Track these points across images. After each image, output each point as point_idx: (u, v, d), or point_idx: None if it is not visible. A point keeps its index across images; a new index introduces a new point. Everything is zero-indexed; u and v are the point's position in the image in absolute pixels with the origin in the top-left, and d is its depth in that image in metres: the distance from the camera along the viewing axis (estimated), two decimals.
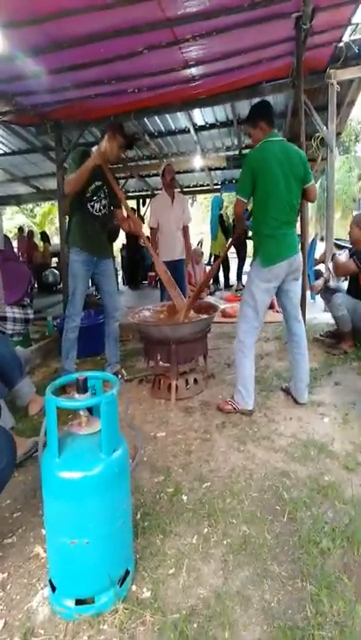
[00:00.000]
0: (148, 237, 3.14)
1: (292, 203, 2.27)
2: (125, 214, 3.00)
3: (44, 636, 1.10)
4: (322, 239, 6.07)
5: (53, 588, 1.19)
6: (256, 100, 4.59)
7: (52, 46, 3.05)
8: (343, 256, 3.44)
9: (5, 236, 3.20)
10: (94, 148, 2.71)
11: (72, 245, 2.83)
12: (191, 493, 1.69)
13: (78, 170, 2.56)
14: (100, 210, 2.81)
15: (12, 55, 3.04)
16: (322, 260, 3.91)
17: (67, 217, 3.48)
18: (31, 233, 10.37)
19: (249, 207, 2.40)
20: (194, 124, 5.99)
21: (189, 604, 1.19)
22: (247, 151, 2.45)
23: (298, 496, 1.64)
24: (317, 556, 1.34)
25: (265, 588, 1.24)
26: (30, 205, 15.20)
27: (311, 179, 2.34)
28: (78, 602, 1.15)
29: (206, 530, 1.48)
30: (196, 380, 2.79)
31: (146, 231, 3.30)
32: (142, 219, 8.92)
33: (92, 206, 2.78)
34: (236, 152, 7.07)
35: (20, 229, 10.68)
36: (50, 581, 1.21)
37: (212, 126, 6.13)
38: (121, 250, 9.33)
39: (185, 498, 1.66)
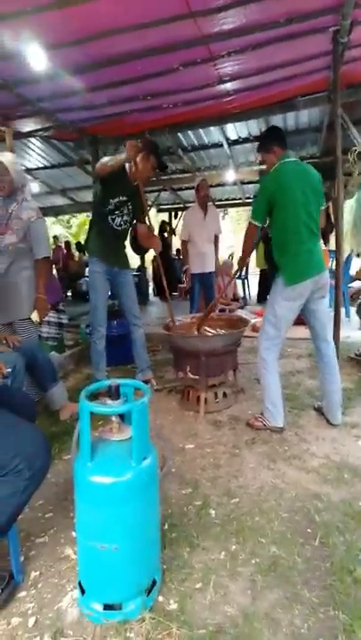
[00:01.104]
0: (160, 254, 3.12)
1: (313, 218, 2.25)
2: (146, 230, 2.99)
3: (72, 637, 1.12)
4: (358, 255, 5.92)
5: (83, 591, 1.21)
6: (290, 114, 4.63)
7: (92, 65, 3.22)
8: None
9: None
10: (127, 166, 2.70)
11: (91, 254, 2.87)
12: (219, 508, 1.67)
13: (113, 157, 2.55)
14: (119, 224, 2.84)
15: (53, 74, 3.23)
16: (358, 277, 3.80)
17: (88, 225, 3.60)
18: (68, 243, 10.79)
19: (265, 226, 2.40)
20: (227, 139, 6.07)
21: (216, 621, 1.17)
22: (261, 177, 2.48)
23: (330, 520, 1.58)
24: (351, 584, 1.29)
25: (295, 613, 1.20)
26: (67, 217, 15.83)
27: (323, 203, 2.32)
28: (106, 607, 1.17)
29: (234, 547, 1.46)
30: (225, 394, 2.77)
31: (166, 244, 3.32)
32: (173, 231, 9.08)
33: (113, 219, 2.80)
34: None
35: (55, 238, 11.14)
36: (79, 584, 1.23)
37: (246, 140, 6.19)
38: (152, 261, 9.50)
39: (213, 512, 1.65)
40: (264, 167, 2.46)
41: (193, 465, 2.02)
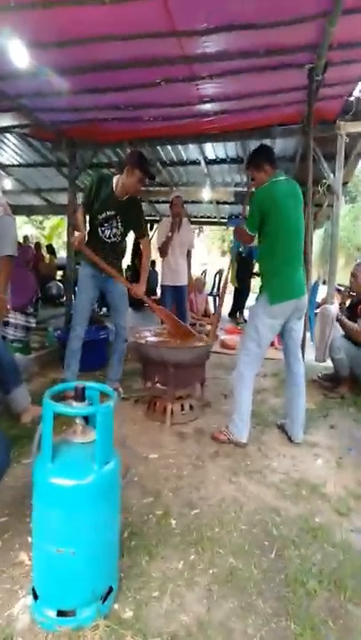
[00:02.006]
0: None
1: (301, 239, 2.35)
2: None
3: None
4: (324, 282, 6.22)
5: (36, 597, 1.17)
6: (267, 141, 4.88)
7: (75, 69, 3.23)
8: (334, 307, 3.51)
9: (20, 244, 3.29)
10: (115, 179, 2.77)
11: (82, 260, 2.91)
12: (180, 518, 1.67)
13: (78, 214, 2.73)
14: (109, 237, 2.86)
15: (35, 72, 3.21)
16: (324, 303, 3.99)
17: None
18: (38, 244, 10.56)
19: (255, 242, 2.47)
20: (205, 157, 6.21)
21: (171, 630, 1.16)
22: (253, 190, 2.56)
23: (287, 534, 1.62)
24: (303, 596, 1.32)
25: (248, 622, 1.21)
26: (40, 218, 15.54)
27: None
28: (60, 613, 1.13)
29: (193, 557, 1.46)
30: (191, 407, 2.80)
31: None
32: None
33: (103, 232, 2.83)
34: (245, 188, 7.35)
35: (25, 238, 10.87)
36: (33, 590, 1.18)
37: (223, 161, 6.37)
38: (125, 270, 9.49)
39: (173, 522, 1.64)
40: (244, 189, 2.54)
41: (156, 475, 2.01)
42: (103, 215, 2.79)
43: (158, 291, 5.00)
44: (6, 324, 3.44)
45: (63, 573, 1.14)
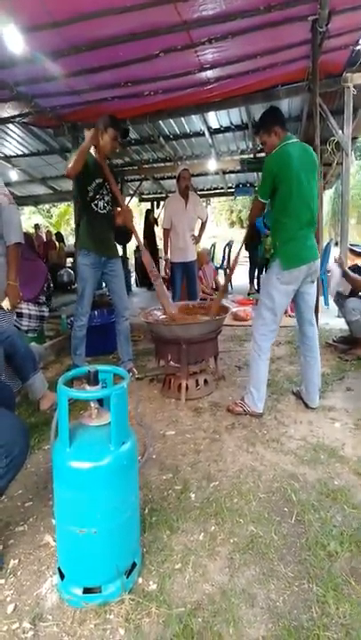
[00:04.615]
0: (137, 232, 3.19)
1: (314, 202, 2.27)
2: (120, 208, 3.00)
3: (51, 621, 1.13)
4: (336, 244, 6.02)
5: (62, 576, 1.22)
6: (271, 103, 4.62)
7: (71, 49, 3.13)
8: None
9: (25, 234, 3.28)
10: (86, 133, 2.76)
11: (80, 247, 2.88)
12: (199, 492, 1.70)
13: (76, 153, 2.61)
14: (104, 207, 2.86)
15: (31, 58, 3.12)
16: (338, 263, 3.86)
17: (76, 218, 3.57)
18: (49, 233, 10.56)
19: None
20: (209, 127, 6.02)
21: (195, 599, 1.19)
22: (263, 155, 2.45)
23: (306, 499, 1.63)
24: (325, 558, 1.33)
25: (271, 588, 1.24)
26: (47, 206, 15.46)
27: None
28: (86, 590, 1.18)
29: (213, 528, 1.49)
30: (206, 381, 2.80)
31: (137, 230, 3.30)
32: (156, 221, 9.00)
33: (97, 204, 2.83)
34: (251, 155, 7.08)
35: (36, 227, 10.90)
36: (59, 569, 1.24)
37: (227, 129, 6.15)
38: (135, 251, 9.41)
39: (193, 496, 1.67)
40: (251, 156, 2.45)
41: (173, 451, 2.04)
42: (93, 185, 2.78)
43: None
44: (20, 315, 3.49)
45: (87, 552, 1.18)
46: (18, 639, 1.08)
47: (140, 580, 1.26)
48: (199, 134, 6.29)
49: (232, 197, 11.50)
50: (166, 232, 4.34)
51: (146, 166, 7.86)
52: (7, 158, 7.35)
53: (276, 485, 1.73)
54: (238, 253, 3.10)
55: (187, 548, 1.39)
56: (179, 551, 1.38)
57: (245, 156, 7.16)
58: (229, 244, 8.44)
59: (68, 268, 9.10)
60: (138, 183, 8.97)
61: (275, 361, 3.34)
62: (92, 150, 2.74)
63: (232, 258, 3.32)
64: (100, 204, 2.84)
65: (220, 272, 7.72)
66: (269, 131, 2.27)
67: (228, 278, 3.46)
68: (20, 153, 7.10)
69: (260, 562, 1.33)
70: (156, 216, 9.91)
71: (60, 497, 1.22)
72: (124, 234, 4.93)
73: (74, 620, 1.13)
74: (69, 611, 1.16)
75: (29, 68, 3.37)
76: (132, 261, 9.47)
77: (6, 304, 2.40)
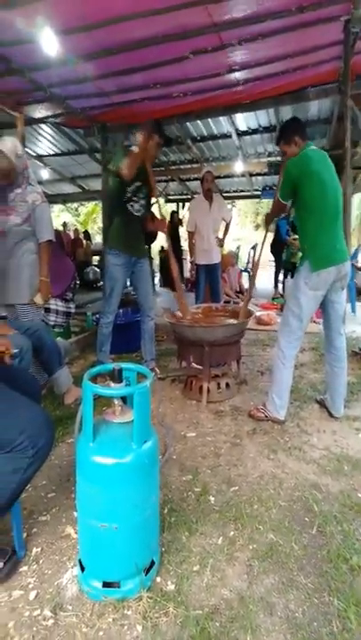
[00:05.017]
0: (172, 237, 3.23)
1: (340, 203, 2.24)
2: (157, 213, 3.04)
3: (71, 612, 1.15)
4: None
5: (82, 568, 1.24)
6: (301, 104, 4.55)
7: (102, 52, 3.19)
8: None
9: (55, 231, 3.38)
10: (134, 148, 2.79)
11: (111, 247, 2.90)
12: (218, 495, 1.69)
13: (130, 156, 2.61)
14: (139, 210, 2.90)
15: (64, 60, 3.20)
16: None
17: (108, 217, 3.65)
18: (77, 231, 10.80)
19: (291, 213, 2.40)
20: (236, 129, 6.00)
21: (212, 603, 1.19)
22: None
23: (328, 510, 1.59)
24: (346, 572, 1.30)
25: (290, 598, 1.22)
26: (75, 204, 15.79)
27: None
28: (105, 584, 1.19)
29: (232, 533, 1.48)
30: (228, 385, 2.78)
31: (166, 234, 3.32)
32: (181, 222, 9.03)
33: (132, 206, 2.86)
34: (279, 158, 7.01)
35: (64, 225, 11.16)
36: (79, 561, 1.26)
37: (255, 131, 6.12)
38: (159, 252, 9.48)
39: (212, 499, 1.67)
40: (278, 159, 2.44)
41: (194, 453, 2.04)
42: (132, 187, 2.80)
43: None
44: (47, 310, 3.58)
45: (107, 547, 1.20)
46: (39, 626, 1.11)
47: (159, 579, 1.27)
48: (226, 136, 6.28)
49: (258, 200, 11.40)
50: (191, 234, 4.36)
51: (172, 167, 7.90)
52: (39, 157, 7.56)
53: (298, 494, 1.70)
54: (260, 256, 3.08)
55: (205, 550, 1.39)
56: (197, 553, 1.38)
57: (273, 159, 7.09)
58: (254, 247, 8.36)
59: (95, 265, 9.27)
60: (164, 184, 9.03)
61: (298, 368, 3.28)
62: (134, 149, 2.77)
63: (255, 261, 3.29)
64: (136, 206, 2.87)
65: (245, 275, 7.66)
66: (289, 141, 2.30)
67: (252, 282, 3.43)
68: (51, 152, 7.30)
69: (280, 571, 1.32)
70: (180, 217, 9.95)
71: (82, 490, 1.25)
72: (149, 235, 4.99)
73: (93, 613, 1.15)
74: (88, 603, 1.18)
75: (62, 70, 3.46)
76: (156, 262, 9.54)
77: (38, 299, 2.47)
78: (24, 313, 2.49)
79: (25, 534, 1.43)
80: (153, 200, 3.02)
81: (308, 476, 1.83)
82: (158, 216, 3.05)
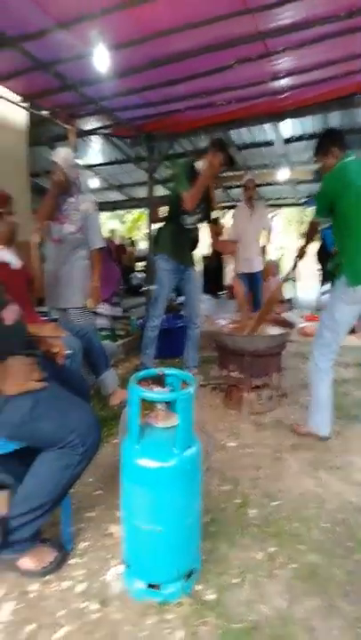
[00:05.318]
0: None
1: None
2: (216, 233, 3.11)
3: (116, 608, 1.20)
4: None
5: (126, 567, 1.29)
6: (348, 111, 4.39)
7: (149, 64, 3.29)
8: None
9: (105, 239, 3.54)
10: (199, 164, 2.84)
11: (161, 253, 2.99)
12: (259, 509, 1.68)
13: (196, 185, 2.70)
14: (192, 224, 2.96)
15: (115, 73, 3.33)
16: None
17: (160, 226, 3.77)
18: (122, 237, 11.15)
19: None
20: (281, 136, 5.93)
21: (252, 619, 1.19)
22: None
23: None
24: None
25: (333, 624, 1.19)
26: (121, 212, 16.27)
27: None
28: (148, 585, 1.23)
29: (272, 549, 1.46)
30: (269, 397, 2.75)
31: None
32: (222, 229, 9.02)
33: (185, 219, 2.92)
34: None
35: (112, 232, 11.55)
36: (124, 560, 1.31)
37: (300, 138, 6.01)
38: (202, 259, 9.53)
39: (252, 512, 1.66)
40: (320, 166, 2.38)
41: (234, 463, 2.04)
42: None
43: None
44: (95, 314, 3.74)
45: (150, 549, 1.24)
46: (86, 618, 1.17)
47: (199, 587, 1.29)
48: (270, 144, 6.23)
49: (302, 208, 11.15)
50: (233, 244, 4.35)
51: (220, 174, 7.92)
52: (89, 167, 7.91)
53: (341, 517, 1.65)
54: (294, 265, 3.02)
55: (245, 564, 1.39)
56: (236, 566, 1.38)
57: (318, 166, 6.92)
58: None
59: (139, 271, 9.50)
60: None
61: (342, 384, 3.16)
62: (197, 164, 2.83)
63: (296, 269, 3.20)
64: (189, 220, 2.93)
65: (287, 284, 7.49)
66: (326, 152, 2.25)
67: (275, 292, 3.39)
68: (100, 162, 7.61)
69: (322, 594, 1.29)
70: (222, 225, 9.94)
71: (126, 491, 1.29)
72: (192, 241, 5.07)
73: (136, 612, 1.19)
74: (132, 602, 1.22)
75: (111, 84, 3.61)
76: (198, 268, 9.59)
77: (90, 303, 2.60)
78: (76, 316, 2.62)
79: (73, 528, 1.51)
80: (213, 214, 3.06)
81: (352, 500, 1.76)
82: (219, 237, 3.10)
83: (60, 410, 1.31)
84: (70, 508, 1.45)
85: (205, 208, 2.94)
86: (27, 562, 1.32)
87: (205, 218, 3.03)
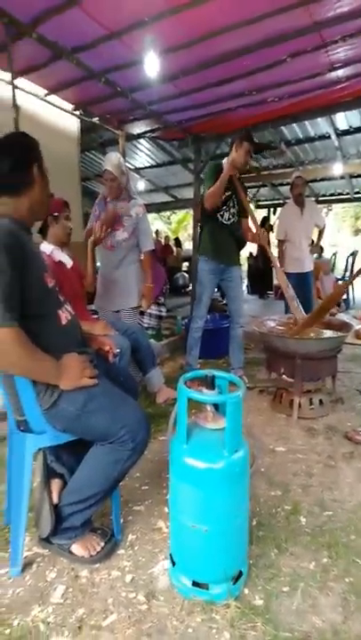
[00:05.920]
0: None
1: None
2: (252, 225, 3.02)
3: (162, 602, 1.21)
4: None
5: (173, 563, 1.29)
6: None
7: (199, 66, 3.27)
8: None
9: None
10: (224, 161, 2.81)
11: (202, 253, 2.99)
12: (310, 517, 1.61)
13: (215, 184, 2.70)
14: (228, 219, 2.91)
15: (164, 78, 3.36)
16: None
17: (199, 226, 3.77)
18: (167, 238, 11.30)
19: None
20: (336, 129, 5.65)
21: (303, 629, 1.14)
22: None
23: None
24: None
25: None
26: (167, 213, 16.51)
27: None
28: (195, 584, 1.22)
29: (325, 560, 1.39)
30: (321, 401, 2.63)
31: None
32: (271, 227, 8.81)
33: (222, 215, 2.89)
34: None
35: (157, 233, 11.75)
36: (170, 556, 1.32)
37: (358, 130, 5.68)
38: (248, 258, 9.38)
39: (303, 520, 1.59)
40: None
41: (283, 468, 1.97)
42: (222, 197, 2.83)
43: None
44: (142, 313, 3.83)
45: (197, 547, 1.23)
46: (134, 608, 1.19)
47: (246, 591, 1.26)
48: (324, 137, 5.96)
49: (357, 203, 10.57)
50: (280, 242, 4.21)
51: (264, 172, 7.76)
52: (137, 170, 8.11)
53: None
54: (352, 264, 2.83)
55: (296, 572, 1.34)
56: (287, 574, 1.33)
57: None
58: (353, 254, 7.76)
59: (184, 272, 9.58)
60: (254, 190, 8.90)
61: None
62: (224, 161, 2.83)
63: (355, 269, 3.03)
64: (226, 215, 2.91)
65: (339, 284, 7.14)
66: None
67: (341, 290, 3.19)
68: (147, 165, 7.77)
69: None
70: (271, 223, 9.70)
71: (174, 489, 1.29)
72: (240, 240, 4.99)
73: (182, 608, 1.19)
74: (178, 598, 1.22)
75: (161, 88, 3.64)
76: (244, 267, 9.47)
77: (144, 304, 2.67)
78: (127, 316, 2.70)
79: (122, 520, 1.55)
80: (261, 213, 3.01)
81: None
82: (253, 229, 3.02)
83: (111, 406, 1.34)
84: (119, 500, 1.49)
85: (239, 201, 2.89)
86: (77, 548, 1.37)
87: (242, 211, 2.97)
